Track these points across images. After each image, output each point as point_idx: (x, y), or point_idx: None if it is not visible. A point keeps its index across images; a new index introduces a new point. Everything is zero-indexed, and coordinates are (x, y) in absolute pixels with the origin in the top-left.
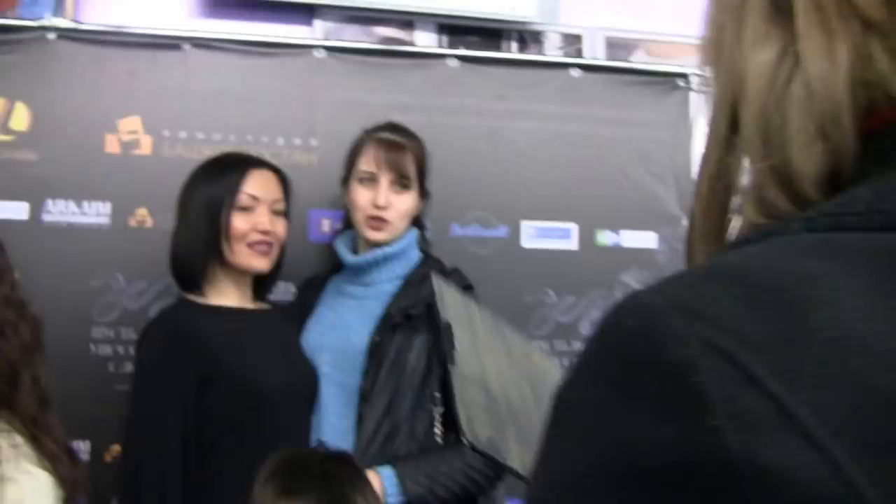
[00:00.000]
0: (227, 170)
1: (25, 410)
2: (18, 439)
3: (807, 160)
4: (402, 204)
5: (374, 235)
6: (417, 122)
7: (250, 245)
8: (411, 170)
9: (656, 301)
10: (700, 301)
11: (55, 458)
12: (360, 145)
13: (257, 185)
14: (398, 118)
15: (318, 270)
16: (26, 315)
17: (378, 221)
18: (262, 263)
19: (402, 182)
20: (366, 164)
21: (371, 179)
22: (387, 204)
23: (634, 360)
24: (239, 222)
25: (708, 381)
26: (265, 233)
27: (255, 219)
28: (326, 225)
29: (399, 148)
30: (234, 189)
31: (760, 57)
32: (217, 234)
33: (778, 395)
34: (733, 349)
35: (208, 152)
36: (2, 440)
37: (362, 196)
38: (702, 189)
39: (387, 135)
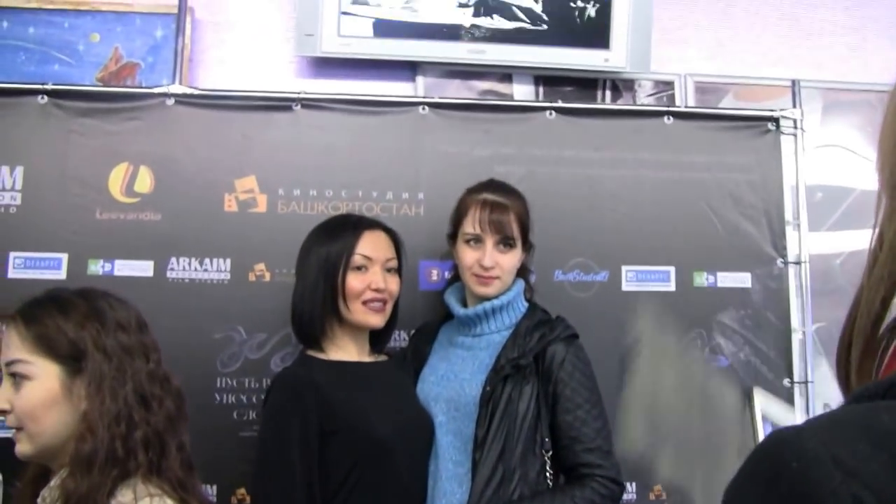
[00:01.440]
0: (342, 231)
1: (173, 475)
2: (169, 502)
3: None
4: (507, 262)
5: (483, 291)
6: (518, 174)
7: (365, 303)
8: (514, 229)
9: (819, 450)
10: (854, 460)
11: None
12: (465, 206)
13: (370, 246)
14: (499, 170)
15: (429, 318)
16: (171, 388)
17: (485, 279)
18: (376, 320)
19: (506, 242)
20: (471, 225)
21: (477, 241)
22: (493, 264)
23: (794, 498)
24: (354, 282)
25: None
26: (379, 290)
27: (369, 278)
28: (435, 274)
29: (502, 209)
30: (349, 250)
31: None
32: (334, 292)
33: None
34: None
35: (321, 208)
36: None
37: (469, 256)
38: (870, 293)
39: (490, 196)
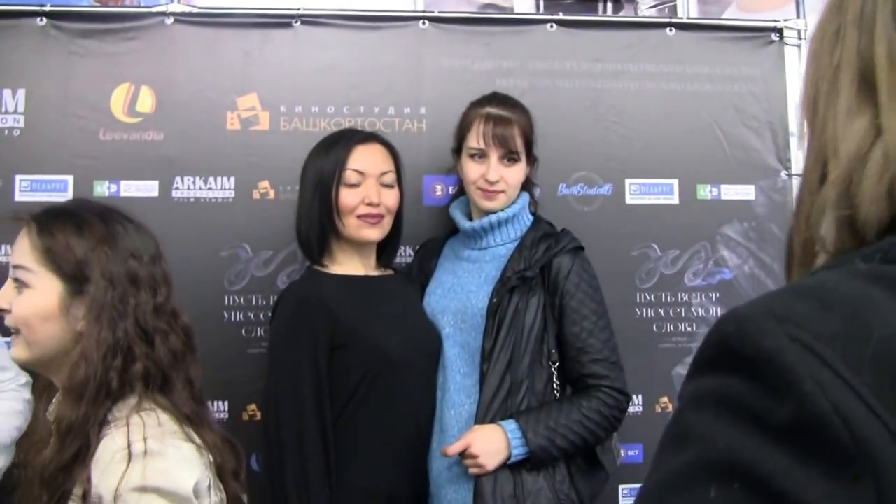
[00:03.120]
0: (335, 146)
1: (179, 410)
2: (164, 417)
3: (874, 214)
4: (512, 176)
5: (488, 205)
6: (519, 87)
7: (360, 217)
8: (518, 143)
9: (752, 311)
10: (786, 309)
11: (214, 446)
12: (469, 120)
13: (363, 160)
14: (501, 84)
15: (434, 233)
16: (178, 323)
17: (490, 193)
18: (372, 234)
19: (510, 156)
20: (475, 140)
21: (481, 155)
22: (497, 178)
23: (734, 351)
24: (347, 197)
25: (794, 363)
26: (373, 205)
27: (362, 192)
28: (439, 189)
29: (506, 123)
30: (342, 165)
31: (853, 126)
32: (329, 208)
33: (845, 377)
34: (810, 341)
35: (323, 125)
36: (148, 418)
37: (474, 171)
38: (799, 224)
39: (494, 110)
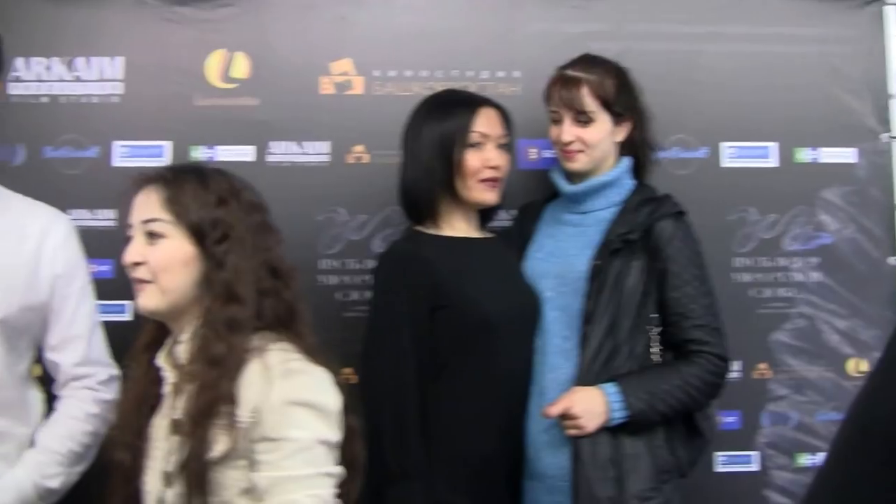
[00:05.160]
0: (456, 108)
1: (306, 343)
2: (295, 348)
3: None
4: (589, 136)
5: (570, 166)
6: (613, 50)
7: (482, 181)
8: (589, 102)
9: None
10: None
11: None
12: (550, 83)
13: (486, 123)
14: (594, 47)
15: (528, 197)
16: (291, 270)
17: (569, 154)
18: (492, 197)
19: (580, 118)
20: (552, 102)
21: (557, 118)
22: (572, 138)
23: None
24: (471, 159)
25: None
26: (495, 168)
27: (485, 155)
28: (534, 153)
29: (574, 84)
30: (466, 127)
31: None
32: (450, 170)
33: None
34: None
35: (417, 89)
36: (285, 346)
37: (553, 133)
38: None
39: (566, 72)
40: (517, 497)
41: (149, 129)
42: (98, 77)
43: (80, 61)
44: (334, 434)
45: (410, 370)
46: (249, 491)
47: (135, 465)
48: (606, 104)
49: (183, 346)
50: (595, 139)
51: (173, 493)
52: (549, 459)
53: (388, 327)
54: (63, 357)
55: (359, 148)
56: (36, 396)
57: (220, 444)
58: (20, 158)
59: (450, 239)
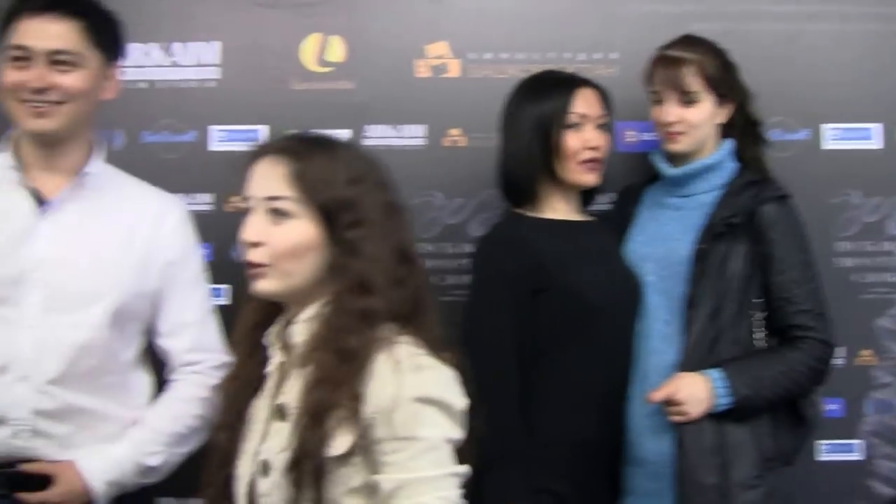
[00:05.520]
0: (554, 89)
1: (430, 337)
2: (419, 342)
3: None
4: (692, 116)
5: (672, 147)
6: (713, 31)
7: (581, 162)
8: (693, 83)
9: None
10: None
11: None
12: (651, 64)
13: (585, 103)
14: (694, 28)
15: (626, 180)
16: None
17: (671, 135)
18: (592, 178)
19: (684, 98)
20: (654, 83)
21: (659, 99)
22: (676, 119)
23: None
24: (570, 140)
25: None
26: (594, 149)
27: (584, 136)
28: (632, 136)
29: (677, 64)
30: (564, 108)
31: None
32: (549, 151)
33: None
34: None
35: (513, 71)
36: (410, 340)
37: (655, 114)
38: None
39: (668, 52)
40: (617, 483)
41: (245, 114)
42: (195, 62)
43: (177, 47)
44: (459, 433)
45: (510, 354)
46: (360, 490)
47: (231, 448)
48: (710, 84)
49: (300, 326)
50: (698, 120)
51: (269, 482)
52: (650, 445)
53: (489, 311)
54: (173, 343)
55: (455, 131)
56: (143, 380)
57: (340, 442)
58: (119, 143)
59: (550, 221)
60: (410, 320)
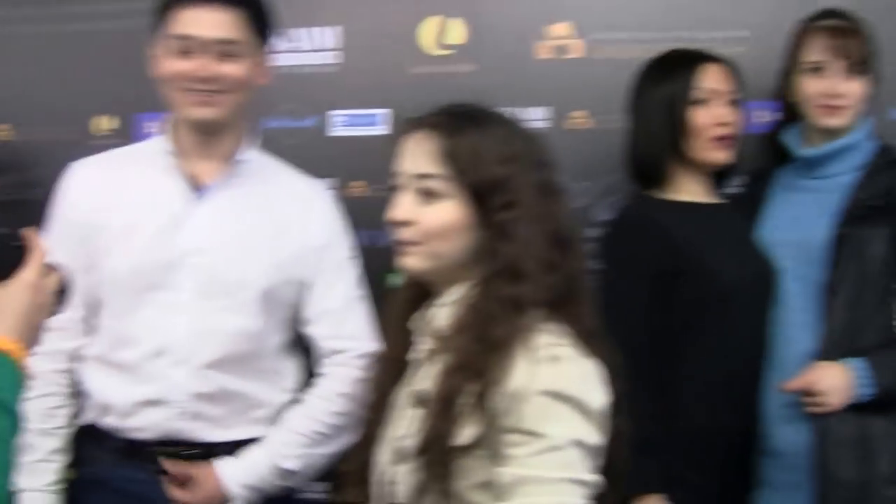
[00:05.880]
0: (679, 66)
1: (582, 325)
2: (568, 330)
3: None
4: (855, 89)
5: (830, 122)
6: (846, 6)
7: (711, 139)
8: (863, 53)
9: None
10: None
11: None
12: (804, 34)
13: (711, 78)
14: (826, 3)
15: (757, 162)
16: (577, 232)
17: (833, 108)
18: (723, 156)
19: (854, 68)
20: (814, 54)
21: (819, 69)
22: (842, 92)
23: None
24: (699, 117)
25: None
26: (725, 125)
27: (713, 112)
28: (761, 116)
29: (848, 33)
30: (690, 84)
31: None
32: (676, 130)
33: None
34: None
35: (638, 52)
36: (556, 328)
37: (812, 86)
38: None
39: (832, 21)
40: (749, 473)
41: (365, 98)
42: (315, 47)
43: (297, 32)
44: (595, 437)
45: (643, 340)
46: (487, 485)
47: (373, 433)
48: (870, 58)
49: (444, 309)
50: (861, 94)
51: (404, 471)
52: (786, 436)
53: (622, 296)
54: (317, 330)
55: (578, 113)
56: (293, 366)
57: (468, 430)
58: None
59: (682, 204)
60: (562, 308)
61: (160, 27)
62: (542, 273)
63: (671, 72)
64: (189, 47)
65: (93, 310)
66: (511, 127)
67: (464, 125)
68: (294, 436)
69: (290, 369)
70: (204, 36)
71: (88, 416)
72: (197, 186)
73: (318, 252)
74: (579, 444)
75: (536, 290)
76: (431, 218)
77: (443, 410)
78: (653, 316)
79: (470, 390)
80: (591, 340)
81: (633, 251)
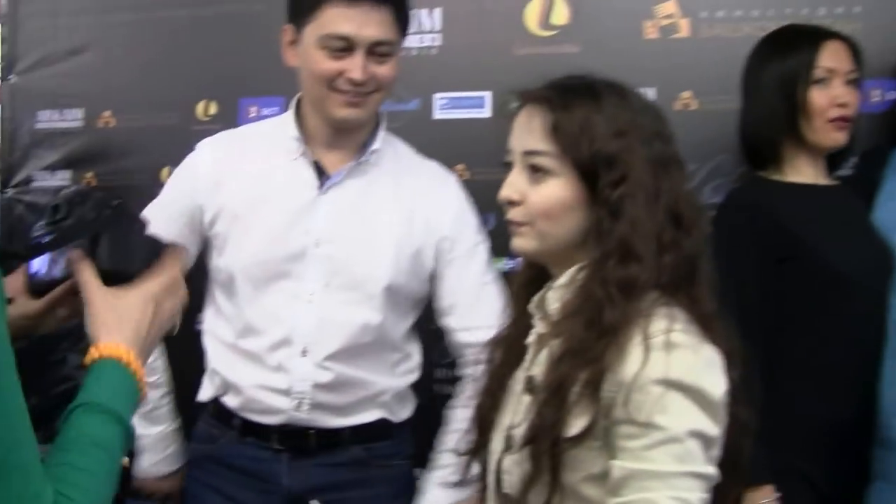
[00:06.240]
0: (798, 43)
1: (700, 308)
2: (684, 315)
3: None
4: None
5: None
6: None
7: (829, 121)
8: None
9: None
10: None
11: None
12: None
13: (832, 57)
14: None
15: (872, 143)
16: (700, 207)
17: None
18: (840, 138)
19: None
20: None
21: None
22: None
23: None
24: (817, 97)
25: None
26: (843, 106)
27: (832, 92)
28: (877, 95)
29: None
30: (810, 63)
31: None
32: (794, 110)
33: None
34: None
35: (748, 30)
36: (672, 312)
37: None
38: None
39: None
40: (864, 466)
41: (469, 80)
42: (416, 29)
43: None
44: (713, 427)
45: (754, 326)
46: (600, 478)
47: (489, 419)
48: None
49: (555, 292)
50: None
51: (511, 460)
52: None
53: (732, 280)
54: (449, 322)
55: (686, 94)
56: (416, 348)
57: (579, 420)
58: None
59: (796, 186)
60: (679, 290)
61: (300, 17)
62: (654, 254)
63: (790, 49)
64: (344, 46)
65: (220, 290)
66: (626, 99)
67: (573, 99)
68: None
69: (413, 353)
70: (363, 36)
71: (209, 393)
72: (323, 174)
73: (446, 243)
74: (698, 435)
75: (649, 271)
76: (539, 197)
77: (552, 399)
78: (764, 301)
79: (581, 378)
80: (710, 325)
81: (743, 235)
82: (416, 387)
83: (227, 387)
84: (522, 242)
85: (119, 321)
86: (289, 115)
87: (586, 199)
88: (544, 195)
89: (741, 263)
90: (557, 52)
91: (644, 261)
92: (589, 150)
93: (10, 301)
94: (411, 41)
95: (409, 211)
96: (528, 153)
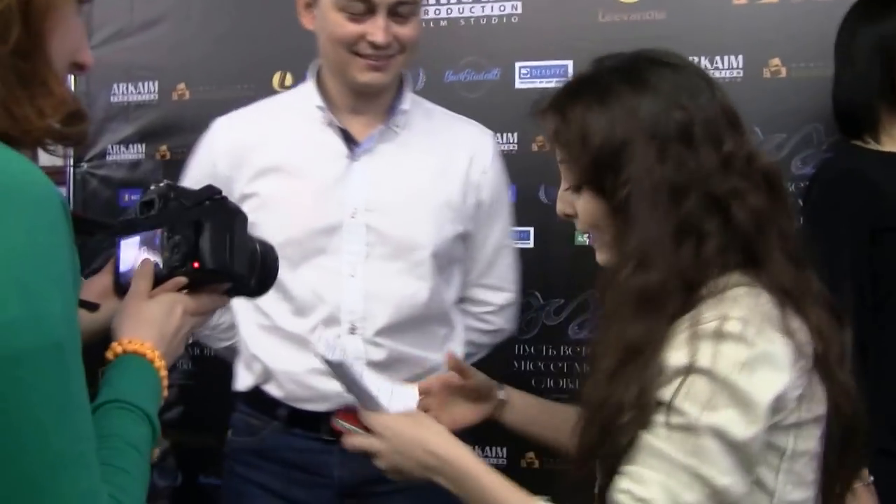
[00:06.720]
0: (892, 6)
1: (778, 284)
2: (763, 298)
3: None
4: None
5: None
6: None
7: None
8: None
9: None
10: None
11: (817, 330)
12: None
13: None
14: None
15: None
16: (755, 168)
17: None
18: None
19: None
20: None
21: None
22: None
23: None
24: None
25: None
26: None
27: None
28: None
29: None
30: None
31: None
32: (891, 75)
33: None
34: None
35: None
36: (745, 296)
37: None
38: None
39: None
40: None
41: (551, 49)
42: None
43: None
44: (745, 430)
45: (849, 301)
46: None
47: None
48: None
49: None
50: None
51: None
52: None
53: (826, 252)
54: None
55: (775, 61)
56: (460, 322)
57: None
58: (420, 83)
59: (893, 155)
60: (752, 269)
61: None
62: (667, 257)
63: (887, 11)
64: (364, 9)
65: None
66: (643, 87)
67: (574, 101)
68: None
69: (457, 325)
70: None
71: (248, 381)
72: (351, 142)
73: (480, 205)
74: (719, 434)
75: (664, 275)
76: (580, 211)
77: (601, 379)
78: (859, 275)
79: (625, 361)
80: (796, 301)
81: (837, 205)
82: None
83: (269, 374)
84: (598, 256)
85: (147, 322)
86: (310, 84)
87: (614, 208)
88: (581, 208)
89: (835, 234)
90: (643, 18)
91: (654, 267)
92: (588, 155)
93: (96, 306)
94: (492, 9)
95: (445, 173)
96: (560, 163)
